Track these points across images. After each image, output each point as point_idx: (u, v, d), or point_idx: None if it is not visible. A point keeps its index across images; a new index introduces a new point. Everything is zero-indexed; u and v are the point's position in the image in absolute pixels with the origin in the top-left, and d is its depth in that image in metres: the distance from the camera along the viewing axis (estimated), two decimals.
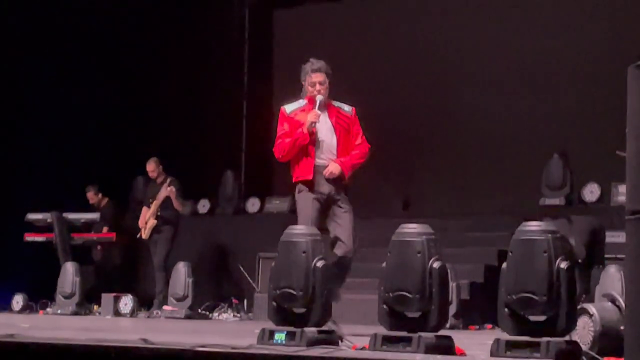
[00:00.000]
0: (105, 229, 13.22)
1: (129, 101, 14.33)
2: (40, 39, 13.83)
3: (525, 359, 4.60)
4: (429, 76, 13.51)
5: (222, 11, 14.91)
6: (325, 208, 7.66)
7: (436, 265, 5.15)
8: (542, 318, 4.73)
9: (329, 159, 7.69)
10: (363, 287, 9.74)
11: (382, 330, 5.32)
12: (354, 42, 13.96)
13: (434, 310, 5.13)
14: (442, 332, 5.20)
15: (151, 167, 12.36)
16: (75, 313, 11.58)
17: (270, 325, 5.63)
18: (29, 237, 12.93)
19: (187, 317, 11.28)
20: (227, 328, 9.62)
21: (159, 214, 12.18)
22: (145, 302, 12.22)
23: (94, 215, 13.04)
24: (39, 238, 12.88)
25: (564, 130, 12.46)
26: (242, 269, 12.40)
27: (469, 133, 13.15)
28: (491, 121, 12.99)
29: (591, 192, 11.73)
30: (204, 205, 14.22)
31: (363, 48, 13.91)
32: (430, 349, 5.01)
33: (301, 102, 7.85)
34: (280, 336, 5.48)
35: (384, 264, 5.35)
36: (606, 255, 9.31)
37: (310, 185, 7.67)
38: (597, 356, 4.62)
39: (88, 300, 12.01)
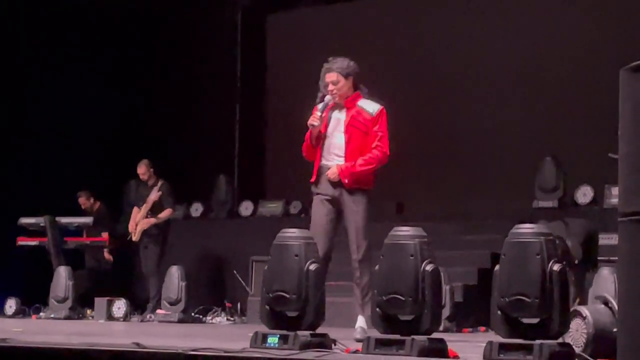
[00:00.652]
0: (104, 234, 13.18)
1: (122, 105, 14.31)
2: (29, 44, 13.80)
3: None
4: (422, 80, 13.53)
5: (214, 15, 14.91)
6: (337, 209, 7.46)
7: (429, 268, 5.15)
8: (535, 320, 4.73)
9: (336, 160, 7.48)
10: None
11: (376, 334, 5.32)
12: (347, 45, 13.89)
13: (427, 313, 5.14)
14: (435, 335, 5.20)
15: (142, 169, 12.35)
16: (68, 317, 11.56)
17: (263, 328, 5.62)
18: (22, 242, 12.90)
19: (181, 320, 11.27)
20: (220, 332, 9.61)
21: (148, 216, 12.17)
22: (138, 306, 12.20)
23: (87, 220, 13.01)
24: (32, 242, 12.85)
25: (557, 132, 12.47)
26: (235, 272, 12.39)
27: (463, 136, 13.17)
28: (484, 124, 13.01)
29: (584, 195, 11.73)
30: (197, 209, 14.21)
31: (356, 52, 13.84)
32: (424, 352, 5.01)
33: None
34: (273, 339, 5.48)
35: (376, 267, 5.35)
36: (599, 258, 9.33)
37: (317, 186, 7.57)
38: (590, 359, 4.63)
39: (81, 304, 11.99)
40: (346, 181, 7.40)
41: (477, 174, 12.90)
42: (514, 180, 12.36)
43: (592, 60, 12.11)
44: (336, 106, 7.61)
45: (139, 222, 12.20)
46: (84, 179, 13.51)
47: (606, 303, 4.90)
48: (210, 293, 13.00)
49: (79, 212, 13.46)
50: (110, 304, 11.72)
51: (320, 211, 7.50)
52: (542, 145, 12.32)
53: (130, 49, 14.38)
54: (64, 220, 12.85)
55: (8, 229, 12.75)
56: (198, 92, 14.58)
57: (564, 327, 4.76)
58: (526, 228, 4.83)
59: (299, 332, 5.44)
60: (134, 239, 12.23)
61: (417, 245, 5.18)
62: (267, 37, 15.29)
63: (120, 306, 11.71)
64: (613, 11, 12.33)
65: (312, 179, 7.59)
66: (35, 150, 13.69)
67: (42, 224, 12.69)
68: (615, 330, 4.50)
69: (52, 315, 11.66)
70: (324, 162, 7.53)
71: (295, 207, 13.53)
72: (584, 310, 4.87)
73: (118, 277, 13.21)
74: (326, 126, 7.56)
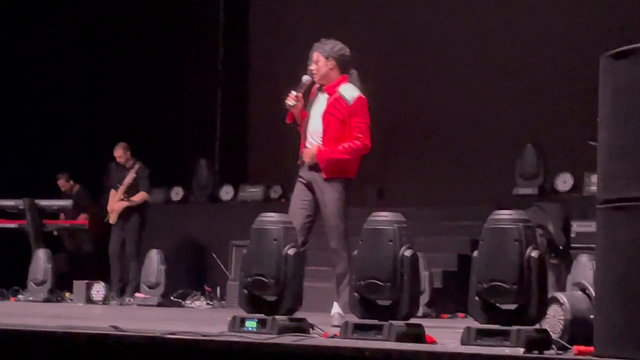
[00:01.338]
0: (82, 216, 13.15)
1: (101, 87, 14.25)
2: (10, 27, 13.72)
3: (495, 347, 4.61)
4: (403, 65, 13.51)
5: None
6: (314, 194, 7.36)
7: (407, 253, 5.16)
8: (512, 306, 4.75)
9: (315, 145, 7.38)
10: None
11: (354, 319, 5.32)
12: (330, 31, 13.89)
13: (405, 299, 5.14)
14: (413, 321, 5.21)
15: (118, 152, 12.33)
16: (47, 300, 11.53)
17: (242, 313, 5.61)
18: (0, 224, 12.84)
19: (160, 304, 11.26)
20: (199, 316, 9.60)
21: (125, 199, 12.16)
22: (117, 290, 12.17)
23: (67, 202, 12.96)
24: (11, 225, 12.80)
25: (538, 120, 12.49)
26: (215, 256, 12.38)
27: (443, 122, 13.17)
28: (465, 110, 13.01)
29: (564, 182, 11.77)
30: (177, 193, 14.17)
31: (340, 34, 13.84)
32: (401, 337, 5.02)
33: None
34: (251, 324, 5.48)
35: (355, 252, 5.35)
36: (577, 245, 9.35)
37: (300, 169, 7.49)
38: (566, 344, 4.64)
39: (60, 287, 11.96)
40: (322, 165, 7.31)
41: (457, 160, 12.91)
42: (494, 167, 12.38)
43: (572, 47, 12.13)
44: (320, 89, 7.52)
45: (114, 204, 12.20)
46: (63, 161, 13.46)
47: (584, 290, 4.91)
48: (190, 277, 12.98)
49: (59, 194, 13.42)
50: (89, 287, 11.69)
51: (298, 196, 7.46)
52: (522, 132, 12.34)
53: (110, 31, 14.30)
54: (43, 202, 12.79)
55: None
56: (179, 75, 14.52)
57: (542, 313, 4.77)
58: (504, 214, 4.84)
59: (277, 317, 5.43)
60: (110, 221, 12.23)
61: (396, 231, 5.18)
62: (250, 18, 15.23)
63: (99, 289, 11.69)
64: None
65: (299, 161, 7.51)
66: (14, 132, 13.62)
67: (21, 207, 12.63)
68: (592, 316, 4.52)
69: (30, 298, 11.63)
70: (307, 144, 7.46)
71: (275, 192, 13.52)
72: (562, 296, 4.88)
73: (97, 261, 13.17)
74: (307, 108, 7.49)
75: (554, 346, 4.62)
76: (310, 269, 7.67)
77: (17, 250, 12.59)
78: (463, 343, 4.76)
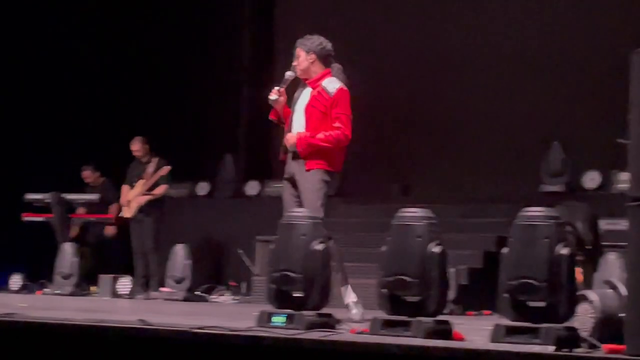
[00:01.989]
0: (113, 207, 13.06)
1: (127, 82, 14.27)
2: (34, 21, 13.79)
3: (524, 344, 4.59)
4: (429, 61, 13.46)
5: None
6: (296, 187, 7.33)
7: (436, 249, 5.15)
8: (542, 304, 4.73)
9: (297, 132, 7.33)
10: (362, 271, 9.72)
11: (382, 315, 5.31)
12: (357, 26, 13.91)
13: (433, 295, 5.14)
14: (440, 317, 5.20)
15: (136, 146, 12.30)
16: (73, 294, 11.56)
17: (268, 308, 5.62)
18: (27, 217, 12.89)
19: (185, 299, 11.27)
20: (225, 310, 9.62)
21: (145, 192, 12.12)
22: (142, 284, 12.19)
23: (94, 196, 12.98)
24: (38, 218, 12.84)
25: (565, 117, 12.42)
26: (240, 252, 12.39)
27: (469, 118, 13.12)
28: (492, 107, 12.95)
29: (592, 180, 11.69)
30: (202, 188, 14.19)
31: (366, 31, 13.86)
32: (429, 334, 5.01)
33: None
34: (279, 319, 5.49)
35: (383, 248, 5.34)
36: (606, 243, 9.30)
37: (284, 165, 7.48)
38: (596, 342, 4.61)
39: (86, 281, 12.00)
40: (300, 150, 7.24)
41: (484, 158, 12.86)
42: (521, 164, 12.32)
43: (601, 43, 12.05)
44: (304, 84, 7.48)
45: (133, 198, 12.17)
46: (90, 155, 13.49)
47: (613, 287, 4.88)
48: (215, 272, 13.00)
49: (85, 188, 13.45)
50: (115, 281, 11.73)
51: (287, 191, 7.43)
52: (549, 129, 12.27)
53: (136, 26, 14.32)
54: (70, 196, 12.83)
55: (14, 205, 12.74)
56: (206, 70, 14.53)
57: (571, 311, 4.76)
58: (535, 211, 4.82)
59: (305, 312, 5.44)
60: (127, 215, 12.20)
61: (424, 227, 5.18)
62: (276, 15, 15.22)
63: (125, 283, 11.73)
64: None
65: (281, 157, 7.48)
66: (41, 126, 13.67)
67: (47, 200, 12.68)
68: (622, 314, 4.49)
69: (56, 292, 11.67)
70: None
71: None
72: (592, 294, 4.86)
73: (122, 254, 13.20)
74: (291, 103, 7.48)
75: (583, 344, 4.59)
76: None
77: (44, 244, 12.63)
78: (492, 340, 4.75)
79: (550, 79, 12.69)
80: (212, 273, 12.86)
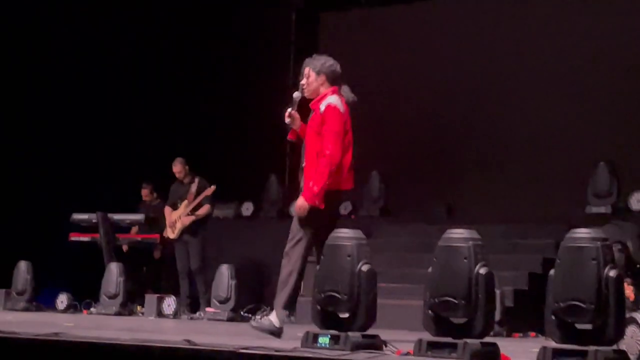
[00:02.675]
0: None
1: (176, 103, 14.39)
2: (89, 40, 13.94)
3: None
4: (473, 82, 13.46)
5: (268, 13, 14.94)
6: None
7: (482, 271, 5.12)
8: (589, 326, 4.69)
9: (305, 163, 7.21)
10: (407, 292, 9.70)
11: (427, 336, 5.29)
12: (398, 47, 13.93)
13: (480, 317, 5.10)
14: (487, 339, 5.17)
15: (177, 168, 12.38)
16: (118, 313, 11.64)
17: (313, 328, 5.62)
18: (74, 237, 13.00)
19: (230, 319, 11.30)
20: None
21: (190, 213, 12.17)
22: (187, 304, 12.24)
23: (139, 217, 13.07)
24: (84, 238, 12.94)
25: (611, 137, 12.34)
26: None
27: (515, 139, 13.08)
28: (537, 128, 12.91)
29: (638, 201, 11.60)
30: (247, 208, 14.24)
31: (408, 54, 13.87)
32: (476, 356, 4.98)
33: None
34: (324, 340, 5.48)
35: (429, 269, 5.32)
36: None
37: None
38: None
39: (131, 300, 12.06)
40: (317, 201, 7.05)
41: (529, 178, 12.81)
42: (567, 185, 12.25)
43: None
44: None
45: (177, 219, 12.23)
46: (139, 176, 13.59)
47: None
48: (260, 292, 13.01)
49: (131, 208, 13.54)
50: (160, 301, 11.79)
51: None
52: (596, 150, 12.20)
53: (185, 48, 14.46)
54: (116, 217, 12.93)
55: (61, 225, 12.86)
56: (252, 92, 14.62)
57: (619, 334, 4.71)
58: (582, 233, 4.78)
59: (350, 333, 5.43)
60: (171, 236, 12.26)
61: (471, 248, 5.15)
62: (320, 36, 15.29)
63: (170, 303, 11.78)
64: None
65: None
66: (90, 147, 13.80)
67: (94, 220, 12.78)
68: None
69: (102, 311, 11.75)
70: (302, 165, 7.29)
71: (345, 208, 13.50)
72: None
73: (167, 275, 13.27)
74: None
75: None
76: (381, 286, 7.65)
77: (90, 264, 12.73)
78: None
79: (597, 100, 12.63)
80: (257, 293, 12.87)
